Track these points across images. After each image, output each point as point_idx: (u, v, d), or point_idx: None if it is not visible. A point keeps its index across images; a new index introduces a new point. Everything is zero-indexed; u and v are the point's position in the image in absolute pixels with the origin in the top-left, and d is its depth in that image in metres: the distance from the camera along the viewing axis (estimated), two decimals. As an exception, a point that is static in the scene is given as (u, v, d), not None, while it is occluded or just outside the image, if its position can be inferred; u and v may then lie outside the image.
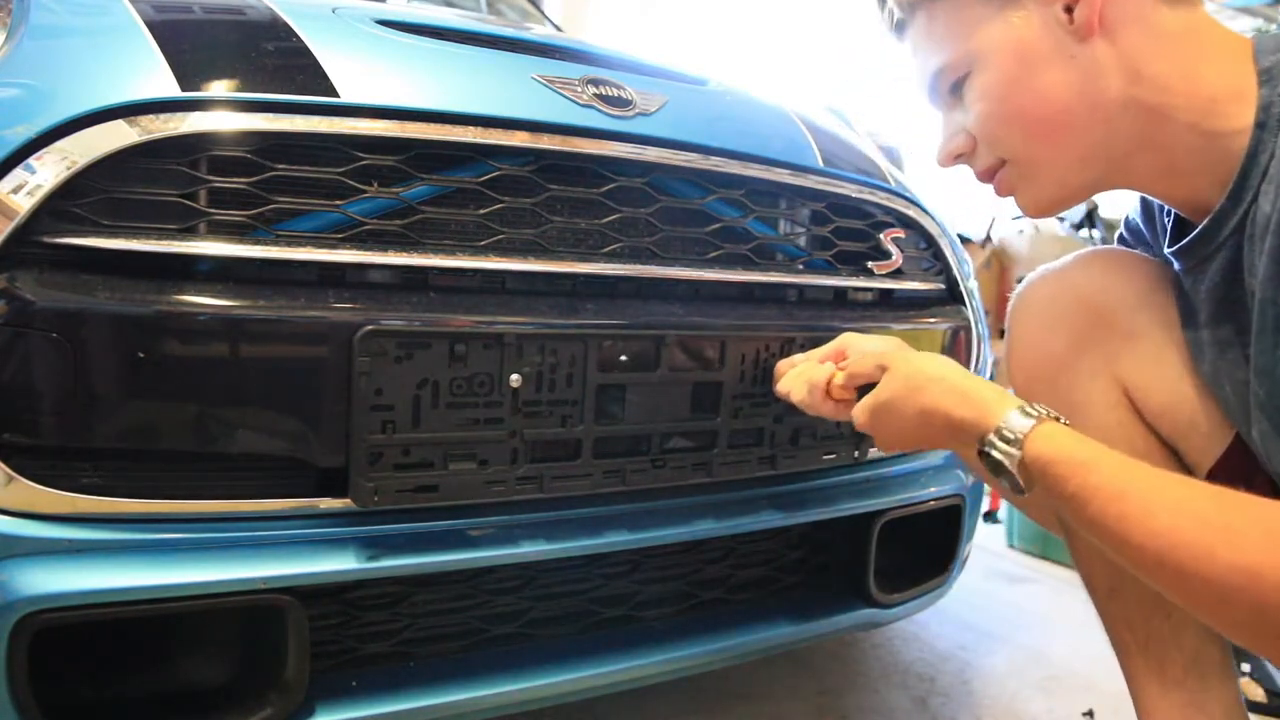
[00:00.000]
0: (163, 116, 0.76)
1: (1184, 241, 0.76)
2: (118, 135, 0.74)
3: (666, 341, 0.94)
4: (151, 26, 0.84)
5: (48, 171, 0.72)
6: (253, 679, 0.83)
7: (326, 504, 0.82)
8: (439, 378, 0.82)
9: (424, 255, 0.85)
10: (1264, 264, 0.66)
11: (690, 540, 1.06)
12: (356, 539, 0.84)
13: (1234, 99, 0.68)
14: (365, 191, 0.84)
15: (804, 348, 1.02)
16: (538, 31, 1.43)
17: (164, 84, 0.78)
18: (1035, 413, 0.69)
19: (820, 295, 1.13)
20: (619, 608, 1.06)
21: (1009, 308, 0.95)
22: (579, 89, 0.96)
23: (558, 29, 2.21)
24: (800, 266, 1.13)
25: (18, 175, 0.71)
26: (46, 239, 0.72)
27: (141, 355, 0.73)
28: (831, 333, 1.00)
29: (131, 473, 0.76)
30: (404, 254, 0.84)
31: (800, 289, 1.11)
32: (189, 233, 0.77)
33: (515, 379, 0.85)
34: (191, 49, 0.83)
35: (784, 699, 1.37)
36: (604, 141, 0.95)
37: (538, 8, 2.37)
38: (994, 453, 0.69)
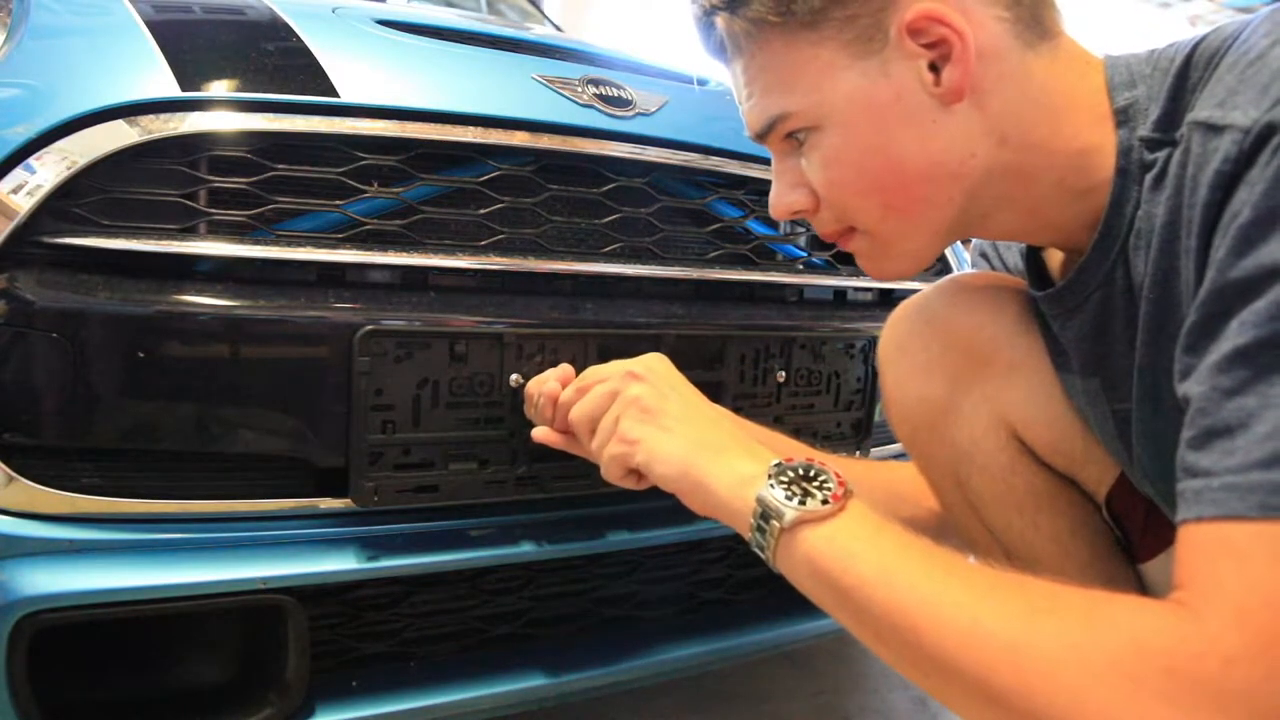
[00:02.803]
0: (163, 116, 0.76)
1: (1050, 291, 0.70)
2: (118, 135, 0.74)
3: (666, 341, 0.94)
4: (151, 26, 0.84)
5: (48, 171, 0.72)
6: (253, 679, 0.83)
7: (326, 504, 0.82)
8: (439, 378, 0.82)
9: (424, 255, 0.85)
10: (1141, 331, 0.61)
11: (691, 540, 1.06)
12: (356, 539, 0.84)
13: (1097, 149, 0.61)
14: (365, 191, 0.84)
15: (804, 348, 1.02)
16: (538, 31, 1.43)
17: (164, 84, 0.78)
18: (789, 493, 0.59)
19: (820, 295, 1.13)
20: (619, 608, 1.06)
21: (878, 348, 0.87)
22: (579, 89, 0.96)
23: (558, 29, 2.21)
24: (800, 266, 1.13)
25: (18, 175, 0.71)
26: (47, 239, 0.72)
27: (141, 355, 0.73)
28: (832, 332, 1.00)
29: (131, 473, 0.76)
30: (404, 254, 0.84)
31: (800, 289, 1.11)
32: (189, 233, 0.77)
33: (515, 379, 0.85)
34: (191, 49, 0.83)
35: (784, 699, 1.37)
36: (604, 141, 0.95)
37: (538, 8, 2.37)
38: (744, 533, 0.62)
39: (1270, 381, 0.44)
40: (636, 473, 0.72)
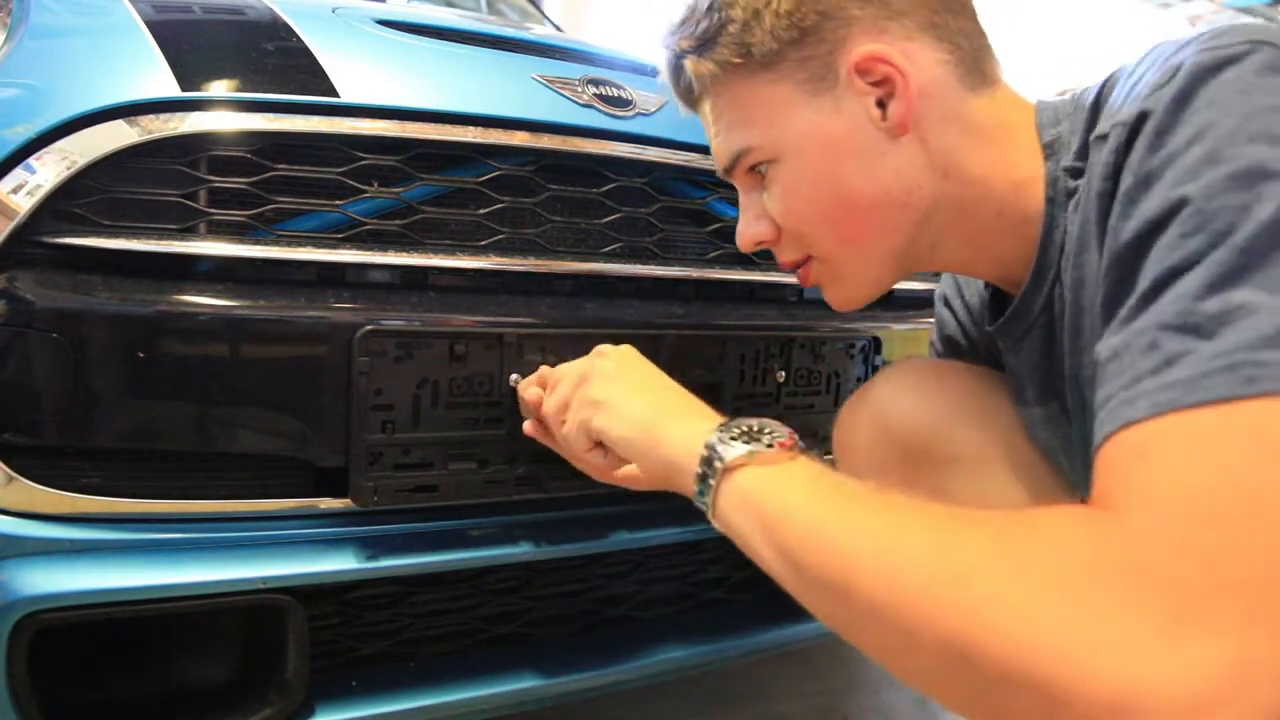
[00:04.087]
0: (163, 116, 0.76)
1: (998, 324, 0.74)
2: (118, 135, 0.74)
3: (666, 341, 0.94)
4: (151, 26, 0.84)
5: (48, 171, 0.72)
6: (253, 679, 0.83)
7: (326, 504, 0.82)
8: (439, 378, 0.82)
9: (424, 255, 0.85)
10: (1066, 341, 0.65)
11: (690, 540, 1.06)
12: (356, 539, 0.84)
13: (1031, 181, 0.65)
14: (365, 191, 0.84)
15: (804, 348, 1.02)
16: (538, 31, 1.43)
17: (164, 84, 0.78)
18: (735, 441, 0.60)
19: (820, 295, 1.13)
20: (619, 607, 1.06)
21: (833, 439, 0.91)
22: (579, 89, 0.96)
23: (558, 29, 2.21)
24: (800, 266, 1.13)
25: (18, 175, 0.71)
26: (46, 239, 0.72)
27: (141, 355, 0.73)
28: (831, 332, 1.00)
29: (131, 473, 0.76)
30: (404, 254, 0.84)
31: (800, 289, 1.11)
32: (189, 233, 0.77)
33: (515, 379, 0.85)
34: (191, 49, 0.83)
35: (784, 699, 1.37)
36: (604, 141, 0.95)
37: (538, 8, 2.37)
38: (687, 487, 0.63)
39: (1151, 307, 0.46)
40: (601, 446, 0.74)
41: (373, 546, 0.84)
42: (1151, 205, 0.49)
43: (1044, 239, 0.66)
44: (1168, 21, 10.11)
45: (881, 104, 0.66)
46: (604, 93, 0.97)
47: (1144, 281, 0.48)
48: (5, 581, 0.71)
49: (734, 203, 1.05)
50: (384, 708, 0.86)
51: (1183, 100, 0.50)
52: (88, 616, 0.74)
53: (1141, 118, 0.52)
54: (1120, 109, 0.56)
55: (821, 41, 0.65)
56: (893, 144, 0.66)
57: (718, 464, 0.59)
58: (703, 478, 0.61)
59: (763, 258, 1.09)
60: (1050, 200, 0.65)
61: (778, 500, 0.56)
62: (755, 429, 0.61)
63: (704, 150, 1.01)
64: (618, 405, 0.72)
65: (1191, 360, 0.43)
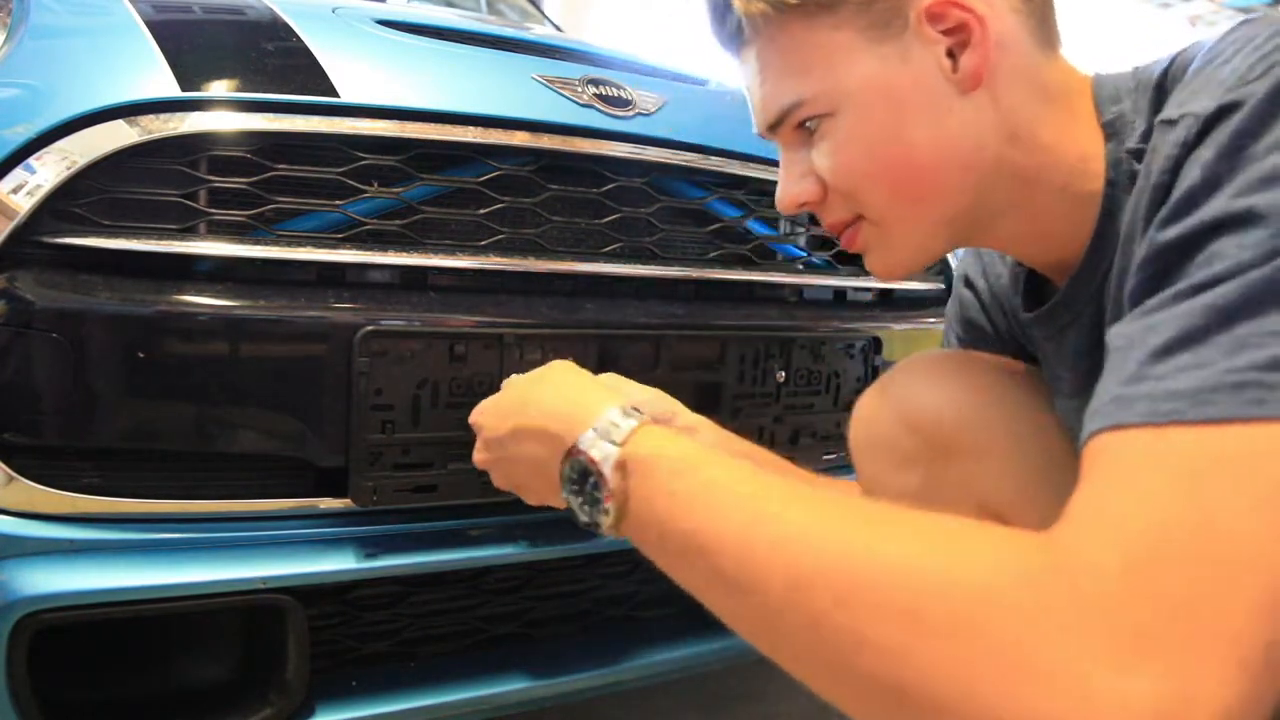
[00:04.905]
0: (163, 116, 0.76)
1: (1042, 310, 0.70)
2: (117, 135, 0.74)
3: (666, 341, 0.94)
4: (151, 26, 0.84)
5: (48, 171, 0.72)
6: (253, 679, 0.83)
7: (326, 504, 0.82)
8: (439, 378, 0.82)
9: (424, 255, 0.85)
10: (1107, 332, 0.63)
11: (690, 540, 1.06)
12: (356, 539, 0.84)
13: (1095, 157, 0.62)
14: (365, 191, 0.84)
15: (804, 348, 1.02)
16: (538, 31, 1.43)
17: (164, 84, 0.78)
18: (639, 414, 0.59)
19: (820, 295, 1.13)
20: (619, 607, 1.06)
21: (850, 435, 0.86)
22: (579, 89, 0.96)
23: (558, 29, 2.21)
24: (800, 266, 1.13)
25: (18, 175, 0.71)
26: (46, 239, 0.72)
27: (141, 355, 0.73)
28: (831, 332, 1.00)
29: (131, 473, 0.76)
30: (404, 254, 0.84)
31: (800, 289, 1.11)
32: (189, 233, 0.77)
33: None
34: (191, 49, 0.83)
35: (784, 699, 1.36)
36: (604, 141, 0.95)
37: (538, 8, 2.37)
38: (584, 458, 0.59)
39: (1178, 306, 0.44)
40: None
41: (373, 546, 0.84)
42: (1212, 209, 0.46)
43: (1101, 224, 0.62)
44: (1168, 21, 10.10)
45: (952, 54, 0.60)
46: (604, 93, 0.97)
47: (1181, 281, 0.45)
48: (5, 581, 0.71)
49: (733, 202, 1.06)
50: (384, 708, 0.86)
51: (1274, 102, 0.46)
52: (88, 616, 0.73)
53: (1221, 112, 0.48)
54: (1197, 96, 0.51)
55: None
56: (962, 99, 0.61)
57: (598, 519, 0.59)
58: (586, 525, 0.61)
59: (763, 258, 1.09)
60: (1111, 183, 0.61)
61: (666, 504, 0.53)
62: (582, 485, 0.60)
63: (704, 150, 1.02)
64: (497, 469, 0.75)
65: (1202, 373, 0.41)
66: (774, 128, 0.68)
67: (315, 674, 0.83)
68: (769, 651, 0.48)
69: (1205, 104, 0.49)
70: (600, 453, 0.58)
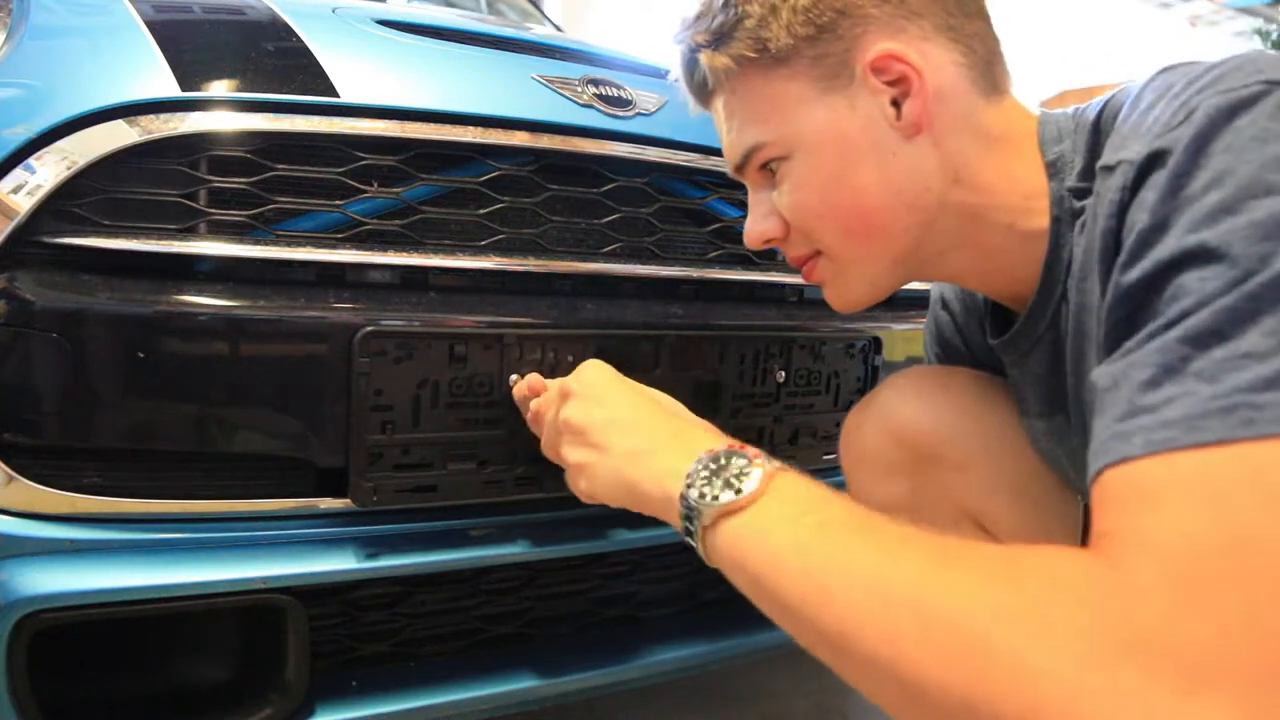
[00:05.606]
0: (162, 116, 0.76)
1: (1003, 339, 0.74)
2: (117, 135, 0.74)
3: (666, 341, 0.94)
4: (151, 26, 0.84)
5: (48, 171, 0.72)
6: (253, 679, 0.83)
7: (326, 504, 0.82)
8: (439, 378, 0.82)
9: (424, 255, 0.85)
10: (1069, 364, 0.66)
11: (690, 540, 1.06)
12: (356, 539, 0.84)
13: (1039, 195, 0.66)
14: (365, 191, 0.84)
15: (804, 348, 1.02)
16: (538, 31, 1.43)
17: (164, 84, 0.78)
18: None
19: (820, 295, 1.13)
20: (619, 607, 1.06)
21: (840, 448, 0.91)
22: (579, 89, 0.96)
23: (558, 29, 2.21)
24: (800, 266, 1.13)
25: (18, 175, 0.71)
26: (46, 239, 0.72)
27: (141, 355, 0.73)
28: (831, 332, 1.00)
29: (131, 473, 0.76)
30: (404, 254, 0.84)
31: (800, 289, 1.11)
32: (189, 233, 0.77)
33: (515, 379, 0.86)
34: (191, 49, 0.83)
35: (784, 699, 1.37)
36: (604, 141, 0.95)
37: (538, 8, 2.37)
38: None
39: (1154, 342, 0.46)
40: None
41: (373, 546, 0.84)
42: (1167, 248, 0.48)
43: (1050, 258, 0.66)
44: (1168, 21, 10.10)
45: (896, 104, 0.66)
46: (604, 93, 0.97)
47: (1152, 320, 0.48)
48: (5, 581, 0.71)
49: (733, 202, 1.06)
50: (384, 708, 0.86)
51: (1200, 144, 0.49)
52: (88, 617, 0.74)
53: (1153, 159, 0.52)
54: (1128, 143, 0.55)
55: (838, 39, 0.66)
56: (906, 144, 0.66)
57: (697, 522, 0.58)
58: (688, 532, 0.60)
59: (763, 258, 1.09)
60: (1056, 219, 0.65)
61: (761, 554, 0.54)
62: (725, 467, 0.59)
63: (704, 150, 1.02)
64: (593, 472, 0.70)
65: (1189, 400, 0.43)
66: (740, 169, 0.74)
67: (315, 674, 0.83)
68: (856, 684, 0.50)
69: (1138, 150, 0.53)
70: (692, 541, 0.59)
